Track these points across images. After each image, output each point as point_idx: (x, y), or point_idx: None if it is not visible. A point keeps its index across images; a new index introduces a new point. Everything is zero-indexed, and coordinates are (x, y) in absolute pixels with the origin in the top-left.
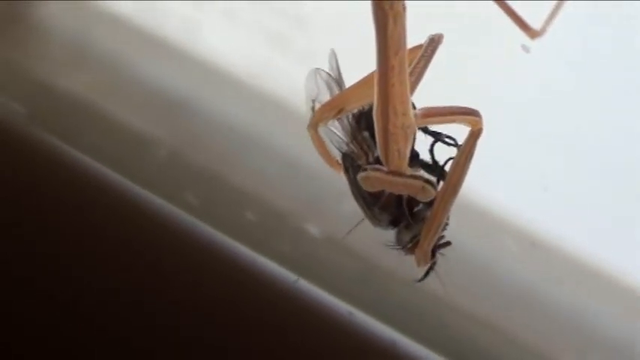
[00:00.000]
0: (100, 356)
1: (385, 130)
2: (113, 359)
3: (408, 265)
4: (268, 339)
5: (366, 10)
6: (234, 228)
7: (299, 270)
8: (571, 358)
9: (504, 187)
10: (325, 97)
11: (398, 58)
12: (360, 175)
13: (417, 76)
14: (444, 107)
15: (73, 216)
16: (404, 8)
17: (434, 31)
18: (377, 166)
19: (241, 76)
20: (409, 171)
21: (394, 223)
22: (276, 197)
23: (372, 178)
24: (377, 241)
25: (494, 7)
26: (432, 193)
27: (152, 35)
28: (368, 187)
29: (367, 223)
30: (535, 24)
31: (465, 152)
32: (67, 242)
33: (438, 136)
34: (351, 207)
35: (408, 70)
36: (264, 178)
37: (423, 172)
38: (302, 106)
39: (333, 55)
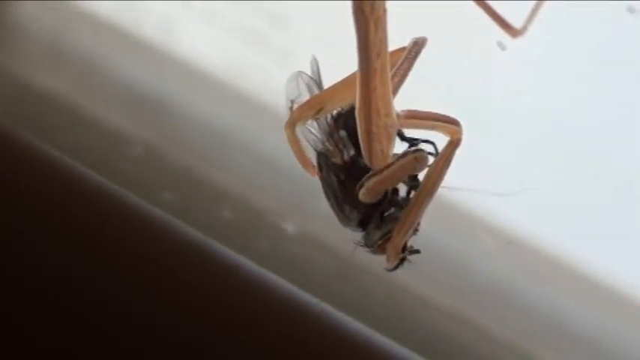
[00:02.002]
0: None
1: (368, 132)
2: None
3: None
4: (243, 336)
5: (346, 10)
6: (211, 226)
7: (275, 267)
8: (548, 356)
9: (481, 185)
10: (305, 99)
11: (380, 60)
12: (362, 192)
13: (400, 78)
14: (427, 112)
15: (49, 214)
16: (384, 11)
17: (412, 32)
18: (368, 175)
19: (219, 75)
20: (393, 157)
21: (363, 224)
22: (254, 195)
23: (372, 187)
24: (354, 237)
25: (474, 6)
26: (426, 158)
27: (130, 34)
28: (373, 198)
29: None
30: (516, 23)
31: (443, 159)
32: (42, 239)
33: (415, 143)
34: (328, 205)
35: (390, 72)
36: (241, 176)
37: (404, 149)
38: (280, 105)
39: (315, 62)
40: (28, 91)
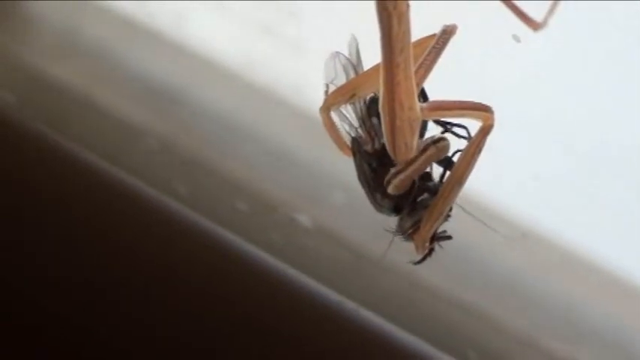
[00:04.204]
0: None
1: (392, 125)
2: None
3: (399, 256)
4: (257, 328)
5: (359, 2)
6: (225, 217)
7: (289, 259)
8: (561, 348)
9: (494, 175)
10: (342, 81)
11: (403, 55)
12: (390, 189)
13: (427, 67)
14: (454, 102)
15: (63, 205)
16: (407, 7)
17: (426, 26)
18: (393, 171)
19: (232, 67)
20: (417, 149)
21: (397, 210)
22: (267, 187)
23: (399, 182)
24: (368, 232)
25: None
26: (447, 146)
27: (143, 26)
28: (400, 191)
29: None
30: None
31: (474, 146)
32: (56, 230)
33: (448, 126)
34: (342, 197)
35: (413, 67)
36: (254, 168)
37: (425, 140)
38: (292, 97)
39: (354, 40)
40: (43, 82)
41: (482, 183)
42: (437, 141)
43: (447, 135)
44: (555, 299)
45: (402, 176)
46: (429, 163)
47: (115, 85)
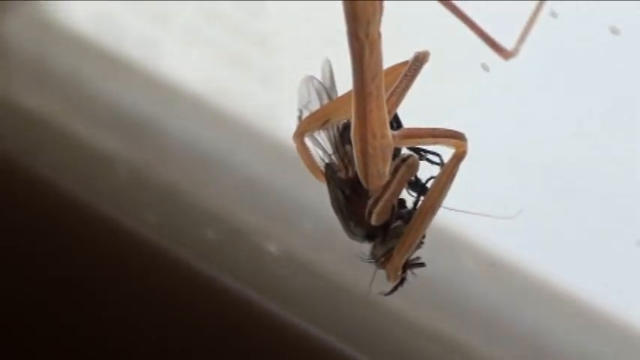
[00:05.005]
0: None
1: (364, 153)
2: None
3: (368, 283)
4: (226, 355)
5: (327, 30)
6: (195, 245)
7: (258, 288)
8: None
9: (466, 206)
10: (315, 105)
11: (375, 83)
12: (373, 219)
13: (399, 95)
14: (426, 129)
15: (32, 234)
16: (379, 35)
17: (400, 54)
18: (370, 202)
19: (201, 95)
20: (388, 173)
21: (370, 237)
22: (237, 216)
23: (380, 210)
24: (338, 260)
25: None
26: (417, 162)
27: (113, 55)
28: (383, 219)
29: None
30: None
31: (447, 173)
32: (24, 258)
33: (422, 153)
34: (311, 225)
35: (385, 95)
36: (225, 197)
37: (394, 161)
38: (261, 125)
39: (327, 64)
40: (11, 111)
41: (451, 212)
42: (405, 159)
43: (421, 162)
44: (526, 328)
45: (381, 203)
46: (403, 183)
47: (86, 114)
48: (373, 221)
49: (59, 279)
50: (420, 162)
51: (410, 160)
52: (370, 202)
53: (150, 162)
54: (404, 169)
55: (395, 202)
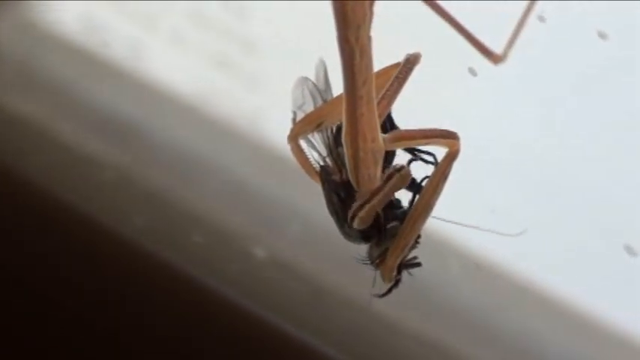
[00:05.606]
0: None
1: (355, 156)
2: None
3: (356, 288)
4: (212, 357)
5: (315, 34)
6: (181, 249)
7: (245, 292)
8: None
9: (451, 208)
10: (309, 107)
11: (365, 87)
12: (356, 223)
13: (390, 97)
14: (417, 130)
15: (19, 236)
16: (369, 39)
17: (387, 58)
18: (356, 204)
19: (188, 98)
20: (380, 179)
21: (365, 238)
22: (224, 220)
23: (365, 215)
24: (324, 263)
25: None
26: (409, 174)
27: (99, 58)
28: (367, 223)
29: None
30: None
31: (440, 172)
32: (11, 260)
33: (416, 154)
34: (298, 230)
35: (376, 98)
36: (211, 200)
37: (388, 170)
38: (248, 129)
39: (322, 65)
40: None
41: (437, 215)
42: (400, 169)
43: (417, 162)
44: (510, 331)
45: (367, 208)
46: (393, 192)
47: (71, 116)
48: (355, 225)
49: (43, 281)
50: (415, 162)
51: (403, 171)
52: (355, 205)
53: (136, 165)
54: (396, 178)
55: (381, 207)
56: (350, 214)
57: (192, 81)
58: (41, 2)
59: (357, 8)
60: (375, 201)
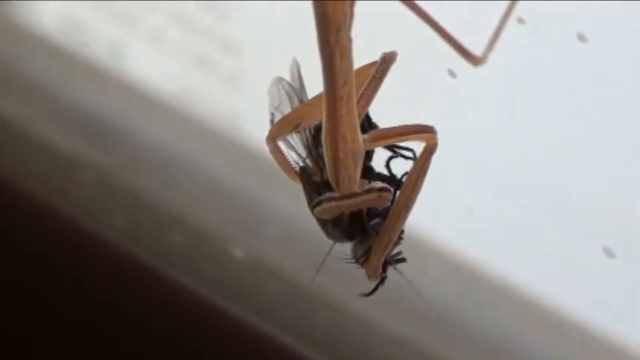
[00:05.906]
0: None
1: (335, 158)
2: None
3: (334, 289)
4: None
5: (295, 35)
6: (160, 249)
7: (224, 292)
8: None
9: (430, 210)
10: (286, 108)
11: (346, 88)
12: (317, 210)
13: (368, 97)
14: (395, 128)
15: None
16: (350, 40)
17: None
18: (329, 195)
19: (168, 98)
20: (360, 187)
21: (349, 237)
22: (203, 220)
23: (328, 209)
24: (303, 264)
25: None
26: (388, 197)
27: (79, 58)
28: (327, 216)
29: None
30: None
31: (419, 167)
32: None
33: (395, 151)
34: (277, 230)
35: (355, 99)
36: (190, 200)
37: (373, 183)
38: (227, 129)
39: (295, 65)
40: None
41: (416, 216)
42: (381, 190)
43: (397, 158)
44: (489, 332)
45: (333, 204)
46: (364, 205)
47: (52, 117)
48: (316, 212)
49: (21, 282)
50: (395, 158)
51: (383, 194)
52: (328, 195)
53: (115, 165)
54: (374, 195)
55: (346, 212)
56: (317, 200)
57: (173, 81)
58: (22, 2)
59: (338, 9)
60: (343, 203)
